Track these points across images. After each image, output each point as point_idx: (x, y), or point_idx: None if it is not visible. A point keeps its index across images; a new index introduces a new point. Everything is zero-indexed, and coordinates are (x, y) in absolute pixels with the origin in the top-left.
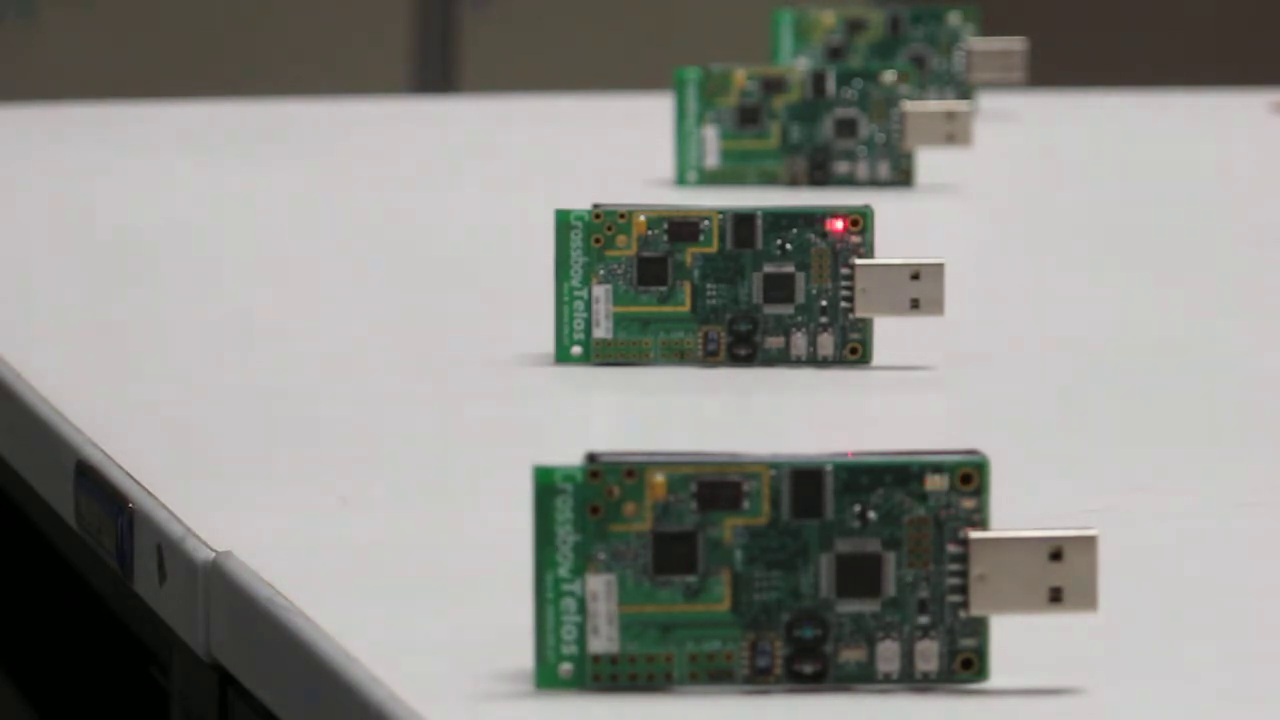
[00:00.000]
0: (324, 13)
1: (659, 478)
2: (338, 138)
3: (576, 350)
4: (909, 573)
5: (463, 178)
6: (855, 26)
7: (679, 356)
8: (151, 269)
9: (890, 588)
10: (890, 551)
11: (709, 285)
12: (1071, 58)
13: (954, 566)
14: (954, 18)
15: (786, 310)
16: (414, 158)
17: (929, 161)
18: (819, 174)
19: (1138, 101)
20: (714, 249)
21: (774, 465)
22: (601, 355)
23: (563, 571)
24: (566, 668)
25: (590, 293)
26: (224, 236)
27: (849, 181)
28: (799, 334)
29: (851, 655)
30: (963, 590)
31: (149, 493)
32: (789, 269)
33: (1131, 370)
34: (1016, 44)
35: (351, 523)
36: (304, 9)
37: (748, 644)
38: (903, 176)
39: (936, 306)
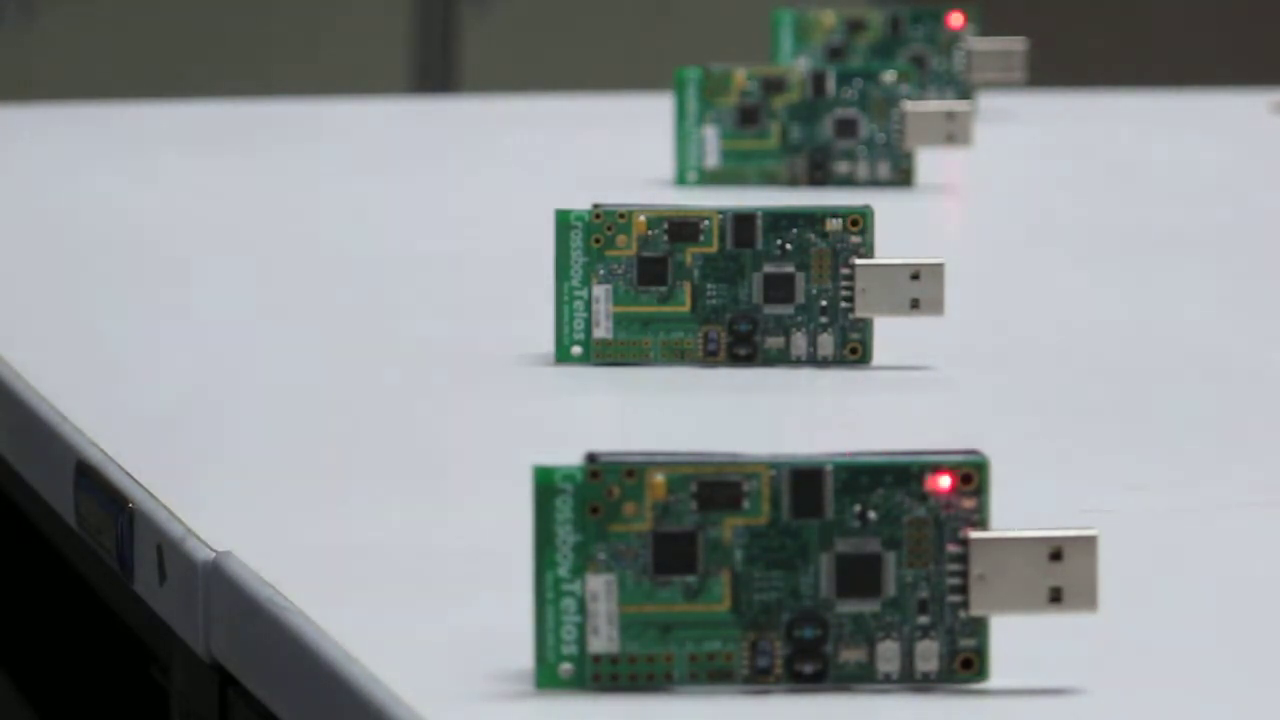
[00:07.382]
0: (324, 13)
1: (659, 478)
2: (338, 138)
3: (576, 350)
4: (909, 573)
5: (462, 178)
6: (855, 27)
7: (679, 356)
8: (151, 269)
9: (890, 588)
10: (890, 551)
11: (709, 285)
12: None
13: (954, 566)
14: (954, 18)
15: (786, 310)
16: (414, 158)
17: (929, 161)
18: (819, 174)
19: (1137, 101)
20: (714, 249)
21: (774, 465)
22: (601, 355)
23: (563, 571)
24: (566, 668)
25: (590, 293)
26: (223, 236)
27: (849, 181)
28: (799, 334)
29: (851, 655)
30: (963, 590)
31: (149, 493)
32: (789, 269)
33: (1131, 370)
34: (1016, 44)
35: (351, 523)
36: (304, 9)
37: (748, 644)
38: (903, 176)
39: (936, 306)
